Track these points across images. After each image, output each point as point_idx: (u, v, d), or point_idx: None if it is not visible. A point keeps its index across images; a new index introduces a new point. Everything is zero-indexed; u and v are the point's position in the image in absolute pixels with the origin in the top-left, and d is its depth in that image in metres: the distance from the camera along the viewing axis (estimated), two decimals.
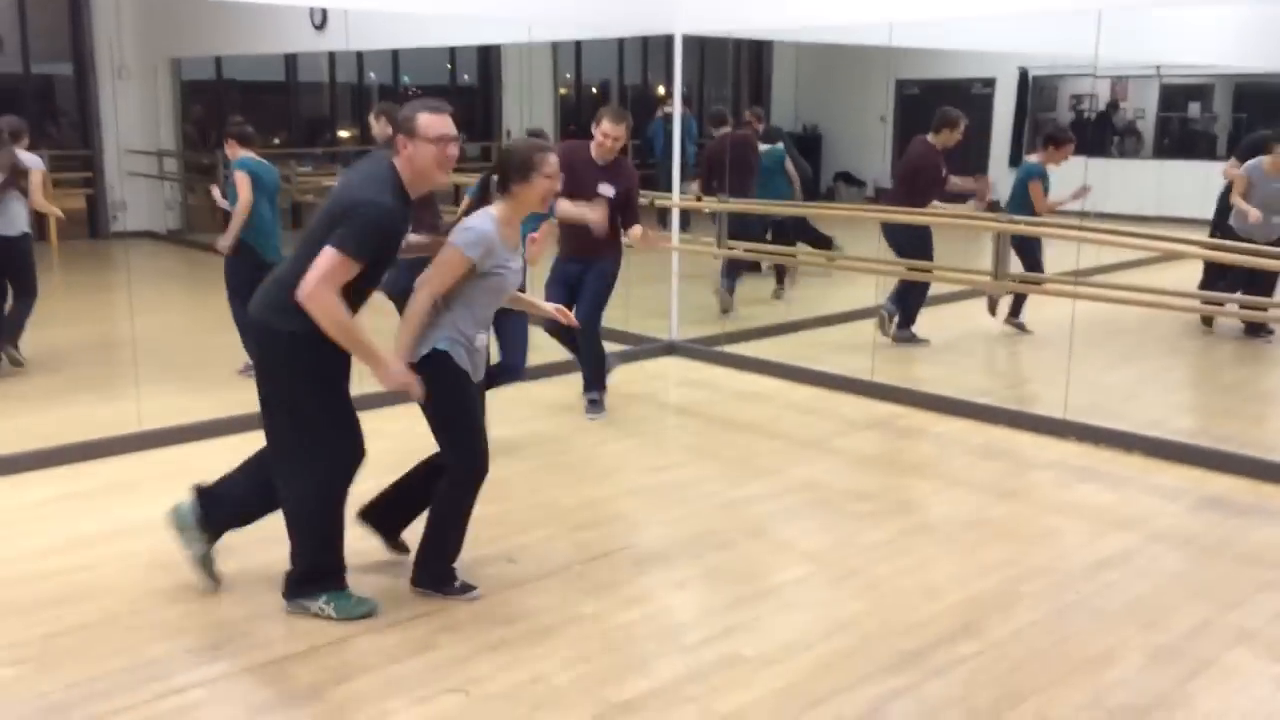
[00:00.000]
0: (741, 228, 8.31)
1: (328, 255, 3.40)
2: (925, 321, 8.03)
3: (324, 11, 9.36)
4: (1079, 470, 5.34)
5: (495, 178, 3.82)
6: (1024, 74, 16.14)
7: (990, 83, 16.17)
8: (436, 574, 3.86)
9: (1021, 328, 8.24)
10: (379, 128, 6.07)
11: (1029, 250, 7.78)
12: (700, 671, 3.39)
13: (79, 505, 4.76)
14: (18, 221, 6.93)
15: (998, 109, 16.14)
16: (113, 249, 12.56)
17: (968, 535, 4.51)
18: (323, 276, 3.40)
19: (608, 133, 5.69)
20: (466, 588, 3.86)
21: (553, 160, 3.78)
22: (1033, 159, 8.30)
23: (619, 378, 7.08)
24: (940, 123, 7.73)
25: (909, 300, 7.88)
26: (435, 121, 3.55)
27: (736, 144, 9.13)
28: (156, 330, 7.48)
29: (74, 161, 12.98)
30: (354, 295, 3.50)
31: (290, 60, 13.71)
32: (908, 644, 3.56)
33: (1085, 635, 3.65)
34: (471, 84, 16.28)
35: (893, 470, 5.39)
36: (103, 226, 13.10)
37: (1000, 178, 12.13)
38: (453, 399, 3.72)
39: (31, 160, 7.09)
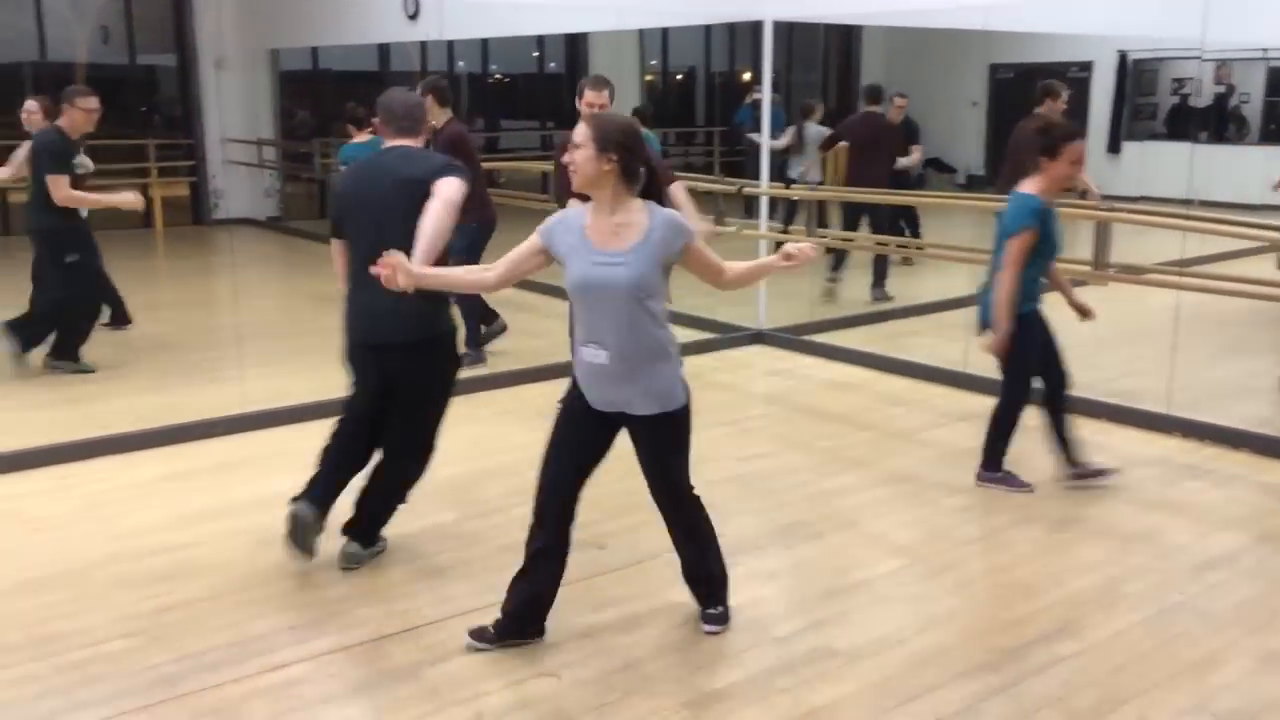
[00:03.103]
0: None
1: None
2: None
3: (417, 2, 9.49)
4: (1183, 467, 5.19)
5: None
6: (1123, 57, 15.65)
7: (1087, 66, 15.70)
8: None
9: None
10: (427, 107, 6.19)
11: None
12: (792, 663, 3.38)
13: (186, 484, 4.92)
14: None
15: (1095, 93, 15.68)
16: (215, 235, 12.95)
17: (1067, 532, 4.41)
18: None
19: (591, 101, 5.55)
20: None
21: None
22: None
23: (707, 364, 7.08)
24: (1042, 94, 7.71)
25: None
26: None
27: (882, 127, 9.06)
28: (257, 314, 7.71)
29: (177, 151, 13.38)
30: None
31: (383, 50, 13.94)
32: (1004, 642, 3.51)
33: (1190, 638, 3.55)
34: (559, 71, 16.37)
35: None
36: (204, 213, 13.50)
37: (1098, 165, 11.81)
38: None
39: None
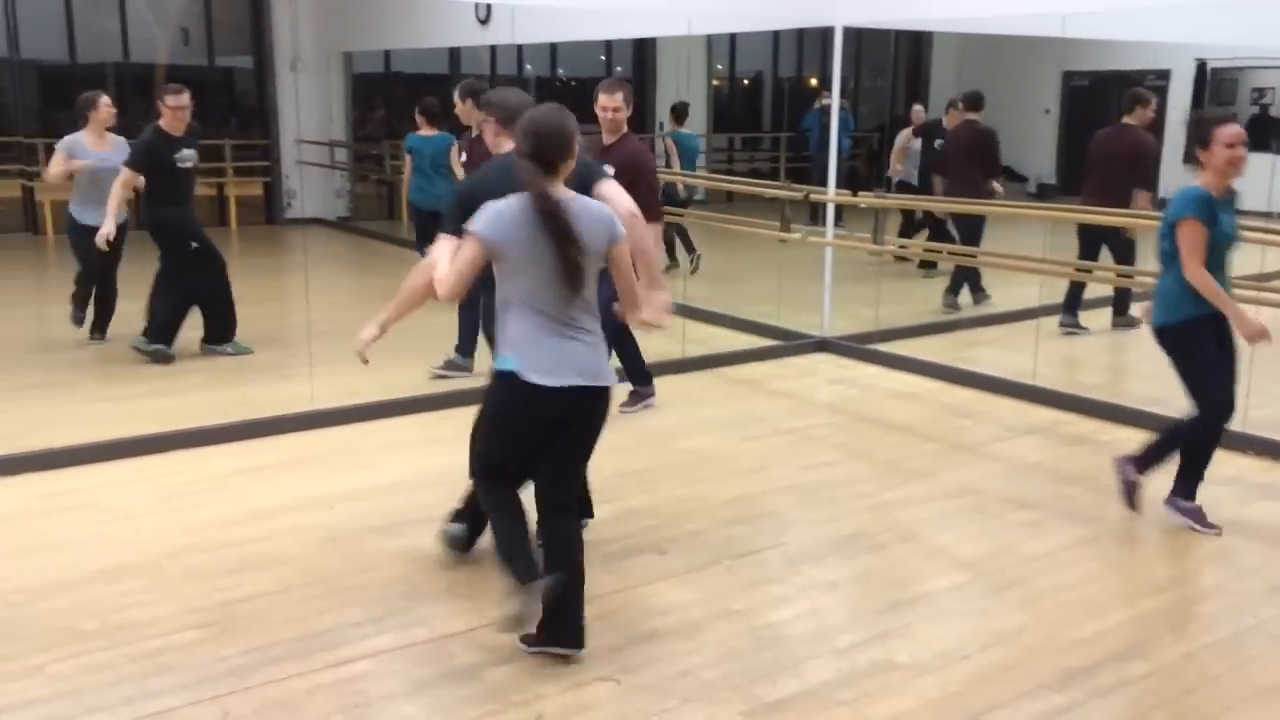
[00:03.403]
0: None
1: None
2: (1092, 324, 7.76)
3: (489, 6, 9.59)
4: (1258, 487, 5.06)
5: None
6: (1202, 66, 15.31)
7: (1165, 75, 15.38)
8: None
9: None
10: (467, 111, 6.23)
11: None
12: (852, 676, 3.36)
13: (257, 479, 5.02)
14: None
15: (1172, 103, 15.35)
16: (288, 234, 13.20)
17: (1137, 551, 4.33)
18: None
19: (605, 105, 5.49)
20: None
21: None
22: None
23: (770, 371, 7.06)
24: (1130, 102, 7.75)
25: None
26: None
27: (978, 133, 9.02)
28: (327, 312, 7.83)
29: (252, 151, 13.67)
30: None
31: (454, 53, 14.10)
32: (1071, 661, 3.45)
33: (1264, 662, 3.46)
34: (626, 76, 16.43)
35: (1056, 479, 5.20)
36: (278, 213, 13.77)
37: (1174, 174, 11.56)
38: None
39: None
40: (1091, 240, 7.82)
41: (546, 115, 3.27)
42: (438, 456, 5.25)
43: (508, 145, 3.64)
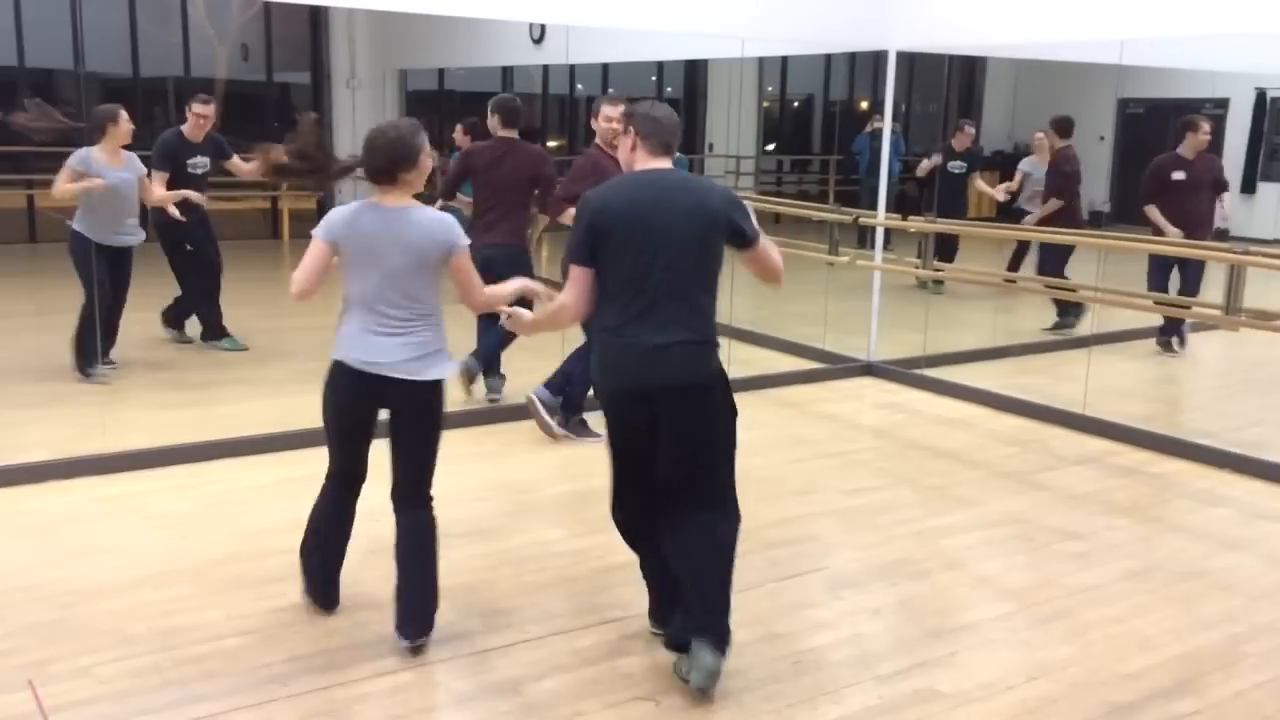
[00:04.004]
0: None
1: (766, 242, 3.42)
2: (1143, 354, 7.66)
3: (543, 26, 9.67)
4: None
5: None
6: (1261, 95, 15.10)
7: (1223, 104, 15.16)
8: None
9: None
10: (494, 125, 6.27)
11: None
12: (894, 704, 3.32)
13: (301, 489, 5.00)
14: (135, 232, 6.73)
15: (1230, 132, 15.13)
16: None
17: (1187, 585, 4.24)
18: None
19: (610, 116, 5.50)
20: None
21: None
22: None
23: (816, 394, 7.03)
24: (1181, 129, 7.92)
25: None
26: None
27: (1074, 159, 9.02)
28: None
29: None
30: None
31: (506, 72, 14.24)
32: (1118, 695, 3.39)
33: None
34: (676, 96, 16.48)
35: (1105, 510, 5.12)
36: None
37: (1233, 204, 11.36)
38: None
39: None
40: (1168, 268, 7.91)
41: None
42: (483, 471, 5.28)
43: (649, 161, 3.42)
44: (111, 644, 3.55)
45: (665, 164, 3.39)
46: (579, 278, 3.35)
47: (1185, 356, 8.29)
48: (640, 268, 3.26)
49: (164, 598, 3.90)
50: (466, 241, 3.52)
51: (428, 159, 3.52)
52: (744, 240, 3.39)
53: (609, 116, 5.55)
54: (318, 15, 13.66)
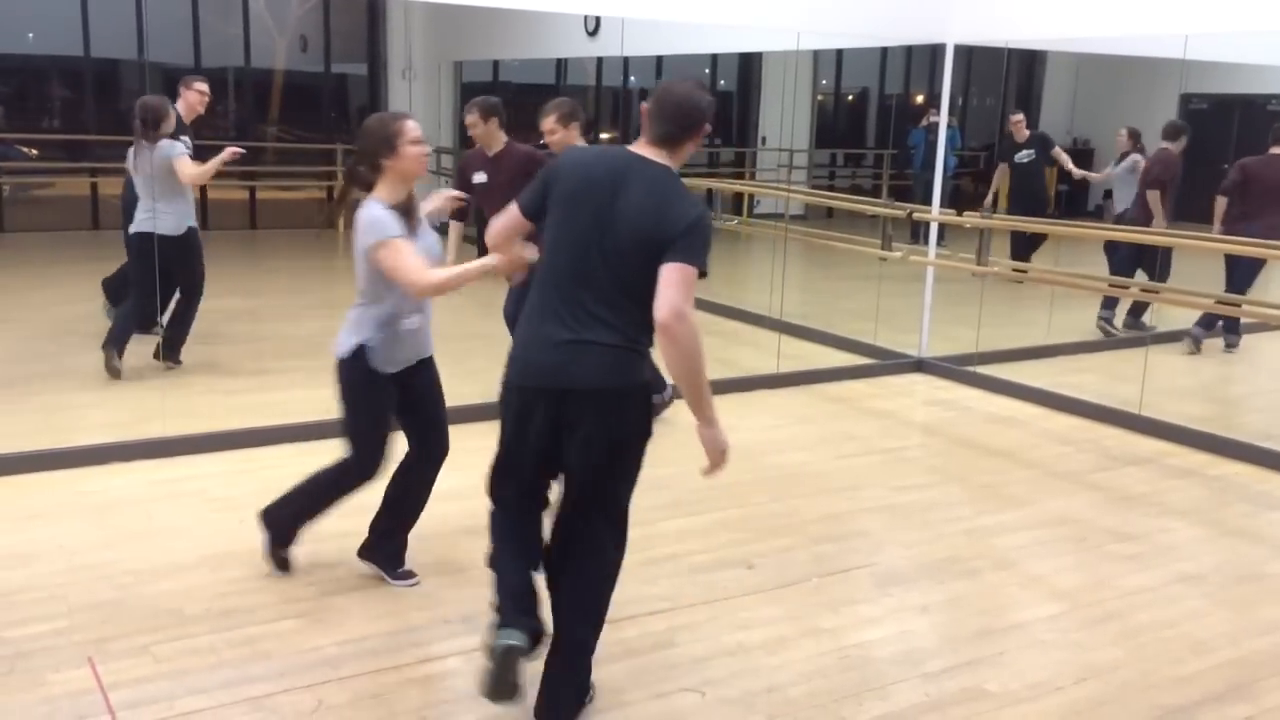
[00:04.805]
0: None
1: (686, 273, 2.80)
2: (1203, 353, 7.52)
3: (598, 19, 9.69)
4: None
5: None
6: None
7: None
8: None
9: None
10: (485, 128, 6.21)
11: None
12: (941, 702, 3.31)
13: None
14: (184, 219, 6.55)
15: None
16: None
17: (1242, 589, 4.17)
18: (688, 298, 2.81)
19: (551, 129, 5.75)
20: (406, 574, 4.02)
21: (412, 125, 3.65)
22: None
23: (866, 390, 6.99)
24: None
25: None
26: None
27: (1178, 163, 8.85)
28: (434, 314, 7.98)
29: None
30: None
31: (561, 64, 14.29)
32: (1169, 699, 3.34)
33: None
34: (730, 89, 16.43)
35: (1159, 512, 5.04)
36: None
37: None
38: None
39: (168, 149, 6.40)
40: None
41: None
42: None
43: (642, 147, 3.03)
44: (169, 624, 3.63)
45: (654, 154, 2.96)
46: (513, 214, 3.14)
47: (1238, 356, 8.16)
48: (578, 253, 2.92)
49: (220, 580, 3.98)
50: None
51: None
52: (671, 253, 2.80)
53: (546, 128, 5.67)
54: (375, 7, 13.82)
